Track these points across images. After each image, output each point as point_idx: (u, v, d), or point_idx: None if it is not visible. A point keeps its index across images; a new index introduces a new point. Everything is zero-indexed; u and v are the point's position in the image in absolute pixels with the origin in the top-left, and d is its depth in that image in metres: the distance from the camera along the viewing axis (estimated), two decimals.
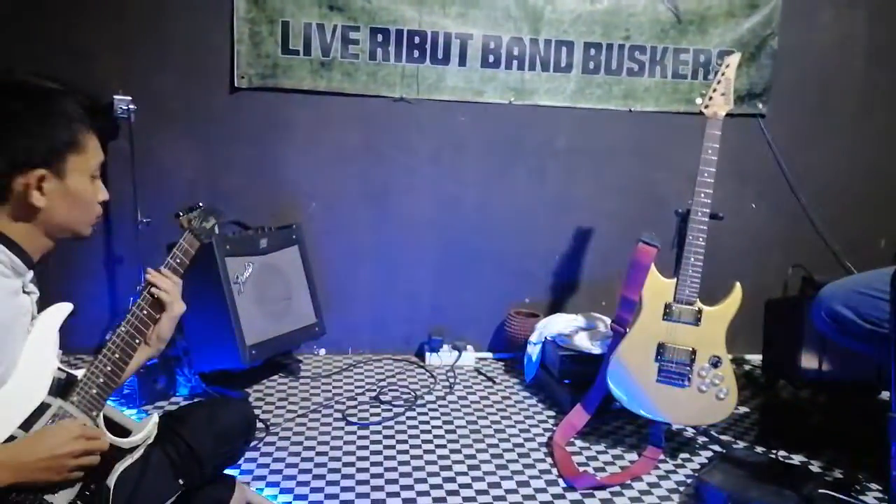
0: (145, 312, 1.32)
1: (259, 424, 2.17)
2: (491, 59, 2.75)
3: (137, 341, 1.31)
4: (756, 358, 2.85)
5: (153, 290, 1.34)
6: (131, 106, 2.44)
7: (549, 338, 2.57)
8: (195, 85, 2.61)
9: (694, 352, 2.09)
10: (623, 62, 2.84)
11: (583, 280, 2.93)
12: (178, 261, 1.39)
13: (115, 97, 2.42)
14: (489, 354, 2.94)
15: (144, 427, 1.32)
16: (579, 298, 2.92)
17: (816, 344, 2.37)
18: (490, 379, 2.72)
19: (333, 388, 2.55)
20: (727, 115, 2.15)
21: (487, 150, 2.83)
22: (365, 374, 2.69)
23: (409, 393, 2.54)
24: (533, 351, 2.60)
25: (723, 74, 2.18)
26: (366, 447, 2.10)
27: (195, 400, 2.27)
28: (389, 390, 2.55)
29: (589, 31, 2.78)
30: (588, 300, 2.86)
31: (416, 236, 2.84)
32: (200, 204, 1.48)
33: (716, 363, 2.09)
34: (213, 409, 1.53)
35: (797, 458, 2.13)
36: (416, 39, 2.69)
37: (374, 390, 2.54)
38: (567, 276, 2.93)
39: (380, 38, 2.66)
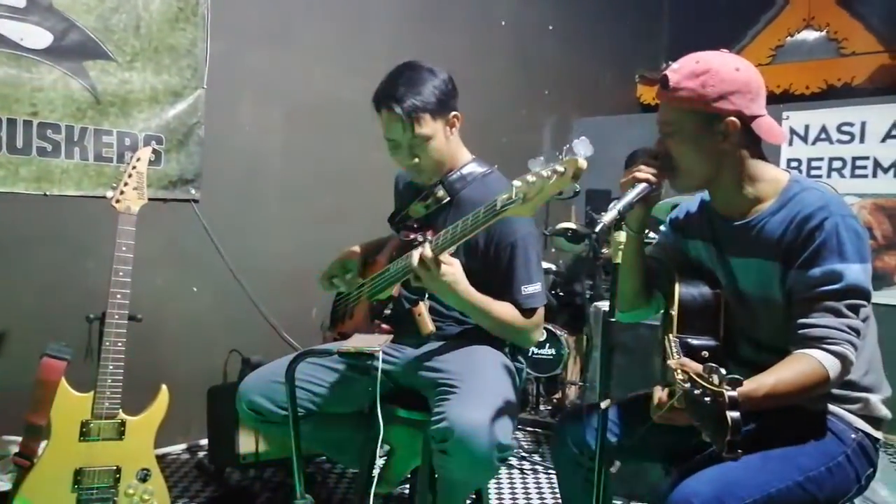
0: None
1: None
2: None
3: None
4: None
5: None
6: None
7: None
8: None
9: (119, 470, 1.90)
10: (32, 140, 2.51)
11: None
12: None
13: None
14: None
15: None
16: None
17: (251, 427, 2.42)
18: None
19: None
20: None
21: None
22: None
23: None
24: None
25: (134, 168, 2.07)
26: None
27: None
28: None
29: None
30: (2, 424, 2.38)
31: None
32: None
33: (144, 477, 1.94)
34: None
35: None
36: None
37: None
38: None
39: None
